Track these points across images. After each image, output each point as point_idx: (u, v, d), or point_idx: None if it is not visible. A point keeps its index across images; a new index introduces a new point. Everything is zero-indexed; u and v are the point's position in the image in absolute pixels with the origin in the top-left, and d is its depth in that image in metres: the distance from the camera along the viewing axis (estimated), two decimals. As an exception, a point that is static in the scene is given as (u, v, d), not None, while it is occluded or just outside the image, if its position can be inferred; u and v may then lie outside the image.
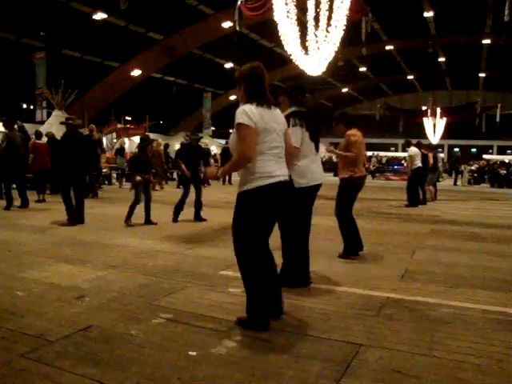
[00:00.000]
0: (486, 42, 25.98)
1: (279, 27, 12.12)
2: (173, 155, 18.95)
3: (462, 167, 23.77)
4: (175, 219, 7.62)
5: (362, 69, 32.73)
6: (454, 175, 23.44)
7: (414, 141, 11.80)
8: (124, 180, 15.68)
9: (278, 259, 3.44)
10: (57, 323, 2.99)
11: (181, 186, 15.47)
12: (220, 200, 10.90)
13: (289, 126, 3.44)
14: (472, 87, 39.23)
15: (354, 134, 5.22)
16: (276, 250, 3.34)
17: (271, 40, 22.75)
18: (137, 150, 7.92)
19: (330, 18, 11.67)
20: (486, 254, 5.55)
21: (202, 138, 11.10)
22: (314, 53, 12.27)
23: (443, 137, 30.65)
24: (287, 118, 3.59)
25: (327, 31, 11.85)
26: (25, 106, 24.84)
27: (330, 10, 11.59)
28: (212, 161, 19.69)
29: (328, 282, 4.13)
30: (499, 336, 2.92)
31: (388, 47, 28.31)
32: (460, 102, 36.01)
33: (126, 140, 18.56)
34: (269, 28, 15.03)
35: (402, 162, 27.68)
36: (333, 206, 5.25)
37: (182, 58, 24.65)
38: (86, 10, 18.65)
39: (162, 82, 28.19)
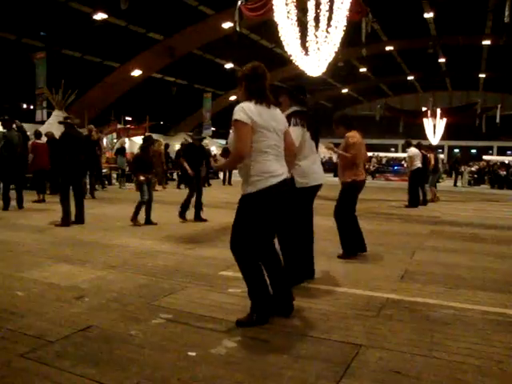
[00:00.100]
0: (486, 42, 26.01)
1: (279, 28, 12.13)
2: (173, 155, 18.97)
3: (462, 168, 23.77)
4: (183, 218, 7.63)
5: (362, 69, 32.76)
6: (453, 176, 23.45)
7: (415, 141, 11.80)
8: (124, 180, 15.68)
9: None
10: (56, 323, 2.99)
11: (181, 187, 15.59)
12: (220, 200, 10.90)
13: (290, 125, 3.45)
14: (472, 88, 39.25)
15: (353, 135, 5.22)
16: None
17: (271, 40, 22.77)
18: (139, 150, 7.91)
19: (330, 18, 11.67)
20: (485, 255, 5.55)
21: (205, 138, 11.11)
22: (314, 53, 12.27)
23: (443, 137, 30.64)
24: (288, 117, 3.59)
25: (327, 32, 11.85)
26: (25, 106, 24.84)
27: (330, 10, 11.59)
28: (212, 161, 19.67)
29: (328, 282, 4.13)
30: (499, 337, 2.92)
31: (388, 48, 28.34)
32: (460, 102, 36.02)
33: (126, 140, 18.56)
34: (269, 28, 15.05)
35: (402, 162, 27.68)
36: (332, 207, 5.25)
37: (183, 59, 24.66)
38: (87, 10, 18.67)
39: (162, 83, 28.21)
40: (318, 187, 3.99)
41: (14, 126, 9.20)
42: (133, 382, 2.26)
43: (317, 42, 12.05)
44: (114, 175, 17.15)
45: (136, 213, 7.18)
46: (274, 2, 11.74)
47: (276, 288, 3.16)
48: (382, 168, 28.46)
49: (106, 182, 15.18)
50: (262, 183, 2.91)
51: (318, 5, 11.59)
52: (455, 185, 21.98)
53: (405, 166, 19.48)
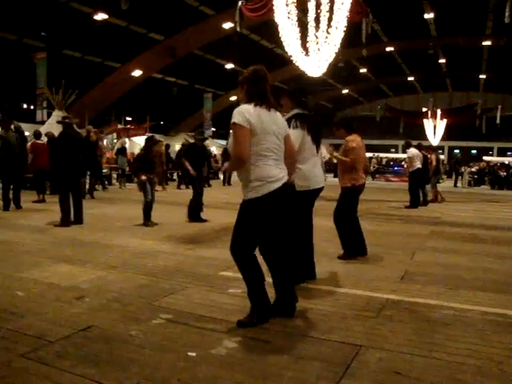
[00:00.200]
0: (487, 43, 26.01)
1: (280, 28, 12.13)
2: (173, 156, 18.97)
3: (462, 169, 23.77)
4: (194, 218, 7.64)
5: (363, 70, 32.75)
6: (454, 177, 23.44)
7: (415, 142, 11.80)
8: (125, 180, 15.68)
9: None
10: (57, 323, 2.99)
11: (181, 187, 15.59)
12: (220, 201, 10.90)
13: (290, 127, 3.44)
14: (472, 89, 39.24)
15: (353, 139, 5.22)
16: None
17: (272, 41, 22.77)
18: (142, 149, 7.90)
19: (330, 19, 11.67)
20: (485, 255, 5.55)
21: (207, 138, 11.09)
22: (315, 54, 12.27)
23: (443, 138, 30.65)
24: (288, 120, 3.59)
25: (328, 32, 11.85)
26: (25, 106, 24.85)
27: (331, 11, 11.59)
28: (213, 161, 19.72)
29: (328, 283, 4.13)
30: (499, 338, 2.92)
31: (388, 48, 28.34)
32: (460, 103, 36.04)
33: (126, 140, 18.57)
34: (269, 29, 15.05)
35: (402, 163, 27.68)
36: (332, 208, 5.25)
37: (183, 59, 24.67)
38: (87, 10, 18.67)
39: (163, 83, 28.21)
40: (318, 190, 3.98)
41: (12, 126, 9.19)
42: (133, 383, 2.26)
43: (317, 43, 12.05)
44: (114, 175, 17.15)
45: (145, 214, 7.17)
46: (274, 3, 11.74)
47: (279, 289, 3.17)
48: (382, 169, 28.45)
49: (106, 183, 15.18)
50: (264, 188, 2.92)
51: (318, 5, 11.59)
52: (455, 185, 21.98)
53: (405, 166, 19.49)
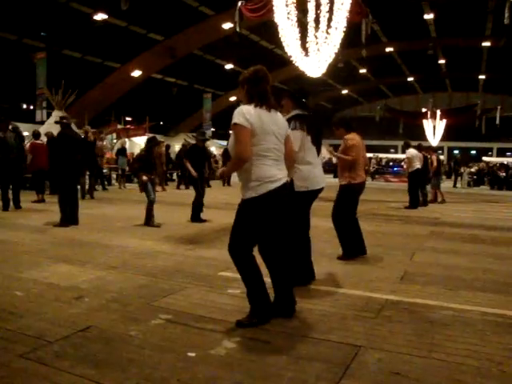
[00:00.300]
0: (486, 44, 26.02)
1: (279, 29, 12.14)
2: (173, 156, 18.97)
3: (462, 169, 23.78)
4: (196, 219, 7.64)
5: (362, 70, 32.77)
6: (453, 177, 23.44)
7: (415, 143, 11.81)
8: (124, 181, 15.67)
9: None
10: (56, 324, 2.99)
11: (181, 187, 15.59)
12: (220, 201, 10.90)
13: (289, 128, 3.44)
14: (472, 89, 39.28)
15: (352, 138, 5.22)
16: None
17: (271, 41, 22.77)
18: (143, 150, 7.89)
19: (330, 19, 11.68)
20: (485, 256, 5.55)
21: (208, 139, 11.08)
22: (314, 54, 12.27)
23: (443, 139, 30.66)
24: (288, 120, 3.59)
25: (327, 33, 11.86)
26: (25, 106, 24.84)
27: (331, 11, 11.60)
28: (212, 162, 19.69)
29: (327, 283, 4.13)
30: (498, 338, 2.92)
31: (388, 49, 28.35)
32: (460, 104, 36.04)
33: (126, 140, 18.57)
34: (269, 29, 15.06)
35: (402, 163, 27.69)
36: (331, 208, 5.25)
37: (183, 59, 24.67)
38: (87, 10, 18.67)
39: (163, 83, 28.21)
40: (318, 191, 3.96)
41: (10, 127, 9.18)
42: (132, 383, 2.26)
43: (317, 43, 12.06)
44: (114, 175, 17.15)
45: (150, 214, 7.15)
46: (274, 3, 11.75)
47: (278, 290, 3.17)
48: (381, 169, 28.45)
49: (106, 183, 15.18)
50: (262, 188, 2.92)
51: (318, 6, 11.60)
52: (455, 186, 21.99)
53: (404, 167, 19.52)
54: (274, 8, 11.81)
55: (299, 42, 12.37)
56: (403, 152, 21.91)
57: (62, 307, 3.32)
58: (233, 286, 3.85)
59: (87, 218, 7.37)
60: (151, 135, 10.51)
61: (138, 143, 21.33)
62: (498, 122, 27.98)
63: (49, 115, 15.95)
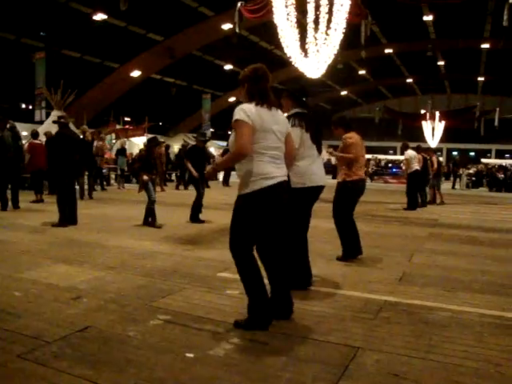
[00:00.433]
0: (485, 46, 26.08)
1: (279, 29, 12.16)
2: (172, 156, 18.97)
3: (460, 171, 23.81)
4: (195, 220, 7.63)
5: (362, 72, 32.83)
6: (452, 179, 23.47)
7: (414, 144, 11.82)
8: (123, 181, 15.66)
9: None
10: (54, 324, 2.98)
11: (179, 188, 15.58)
12: (219, 202, 10.90)
13: None
14: (471, 91, 39.35)
15: (351, 136, 5.24)
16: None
17: (271, 42, 22.80)
18: (144, 150, 7.89)
19: (329, 20, 11.71)
20: (483, 257, 5.55)
21: (209, 140, 11.09)
22: (314, 55, 12.29)
23: (442, 140, 30.73)
24: (288, 118, 3.60)
25: (327, 34, 11.88)
26: (24, 106, 24.82)
27: (330, 12, 11.62)
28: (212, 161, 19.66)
29: (326, 284, 4.13)
30: (496, 340, 2.92)
31: (387, 50, 28.40)
32: (459, 105, 36.12)
33: (125, 140, 18.56)
34: (268, 30, 15.09)
35: (401, 165, 27.73)
36: (331, 209, 5.25)
37: (182, 60, 24.68)
38: (86, 10, 18.67)
39: (162, 83, 28.21)
40: (316, 189, 3.91)
41: (8, 126, 9.16)
42: (130, 383, 2.26)
43: (316, 44, 12.08)
44: (113, 176, 17.13)
45: (152, 214, 7.14)
46: (273, 4, 11.77)
47: (276, 290, 3.16)
48: (380, 170, 28.50)
49: (105, 183, 15.17)
50: (256, 185, 2.92)
51: (317, 7, 11.63)
52: (453, 187, 22.02)
53: (403, 168, 19.54)
54: (273, 9, 11.84)
55: (299, 43, 12.39)
56: (402, 153, 21.98)
57: (60, 307, 3.31)
58: (231, 287, 3.85)
59: (86, 218, 7.36)
60: (150, 135, 10.51)
61: (136, 143, 21.34)
62: (496, 123, 28.06)
63: (48, 115, 15.95)
